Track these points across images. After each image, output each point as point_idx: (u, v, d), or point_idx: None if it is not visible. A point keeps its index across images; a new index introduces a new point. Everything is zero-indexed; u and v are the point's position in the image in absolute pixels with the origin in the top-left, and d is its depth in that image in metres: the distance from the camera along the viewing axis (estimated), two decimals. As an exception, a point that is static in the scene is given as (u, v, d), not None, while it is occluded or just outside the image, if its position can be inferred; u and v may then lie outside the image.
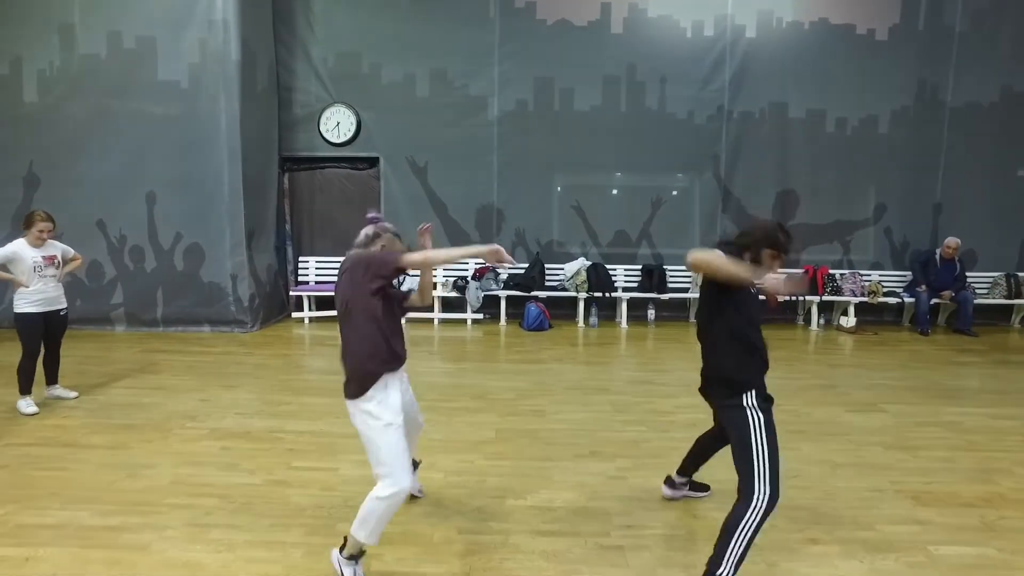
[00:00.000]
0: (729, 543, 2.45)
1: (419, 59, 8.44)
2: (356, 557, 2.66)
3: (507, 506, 3.38)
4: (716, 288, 2.57)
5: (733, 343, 2.63)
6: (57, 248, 4.99)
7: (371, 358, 2.61)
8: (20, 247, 4.75)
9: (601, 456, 4.08)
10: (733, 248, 2.63)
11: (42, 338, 4.93)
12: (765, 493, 2.47)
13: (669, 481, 3.46)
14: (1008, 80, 8.48)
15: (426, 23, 8.38)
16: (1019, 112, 8.52)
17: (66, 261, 5.08)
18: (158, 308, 7.72)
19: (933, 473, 3.85)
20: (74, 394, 5.15)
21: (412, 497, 3.42)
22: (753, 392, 2.60)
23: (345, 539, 2.67)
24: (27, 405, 4.75)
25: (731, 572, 2.45)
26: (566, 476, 3.77)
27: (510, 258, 2.53)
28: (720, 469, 3.18)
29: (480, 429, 4.55)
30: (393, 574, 2.76)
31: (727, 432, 2.68)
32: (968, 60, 8.46)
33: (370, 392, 2.59)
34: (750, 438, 2.54)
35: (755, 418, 2.56)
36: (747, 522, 2.45)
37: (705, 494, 3.48)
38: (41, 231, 4.76)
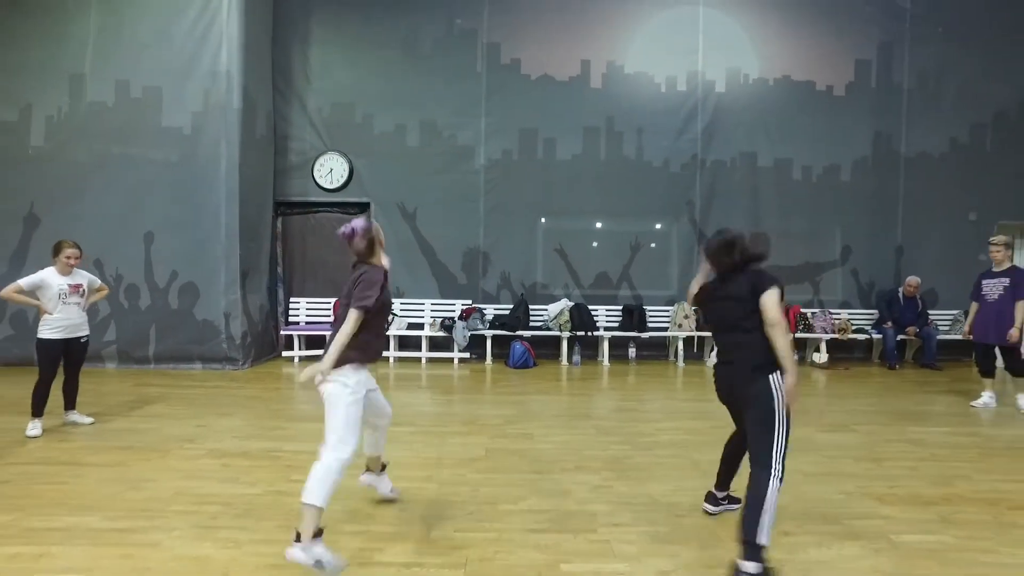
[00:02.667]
0: (760, 512, 2.71)
1: (410, 110, 8.94)
2: (318, 534, 2.81)
3: (500, 510, 3.56)
4: (752, 296, 2.94)
5: (764, 336, 2.91)
6: (84, 277, 5.21)
7: (356, 348, 2.97)
8: (48, 275, 4.97)
9: (587, 470, 4.28)
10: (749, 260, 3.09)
11: (60, 364, 5.10)
12: (778, 472, 2.78)
13: (710, 497, 3.54)
14: (954, 132, 9.20)
15: (417, 77, 8.92)
16: (966, 162, 9.22)
17: (92, 291, 5.29)
18: (151, 345, 7.85)
19: (897, 479, 4.11)
20: (90, 420, 5.27)
21: (387, 500, 3.60)
22: (778, 372, 2.89)
23: (298, 535, 2.78)
24: (32, 427, 4.87)
25: (768, 539, 2.72)
26: (555, 486, 3.96)
27: None
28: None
29: (471, 449, 4.73)
30: (393, 565, 2.93)
31: (751, 413, 2.92)
32: (917, 114, 9.18)
33: (347, 368, 2.95)
34: (775, 414, 2.83)
35: (780, 396, 2.85)
36: (771, 492, 2.73)
37: (739, 505, 3.43)
38: (68, 258, 4.99)
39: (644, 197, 9.08)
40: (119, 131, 7.74)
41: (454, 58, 8.95)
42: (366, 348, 3.02)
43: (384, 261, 3.19)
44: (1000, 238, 6.24)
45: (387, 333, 3.25)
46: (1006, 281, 6.06)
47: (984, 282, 6.30)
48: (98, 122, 7.74)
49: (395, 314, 8.87)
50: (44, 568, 2.83)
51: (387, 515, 3.47)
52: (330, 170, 8.98)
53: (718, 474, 3.53)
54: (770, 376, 2.88)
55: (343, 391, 2.91)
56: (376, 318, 3.05)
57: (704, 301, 3.30)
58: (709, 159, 9.12)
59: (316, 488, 2.81)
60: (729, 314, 3.08)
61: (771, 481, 2.76)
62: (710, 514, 3.51)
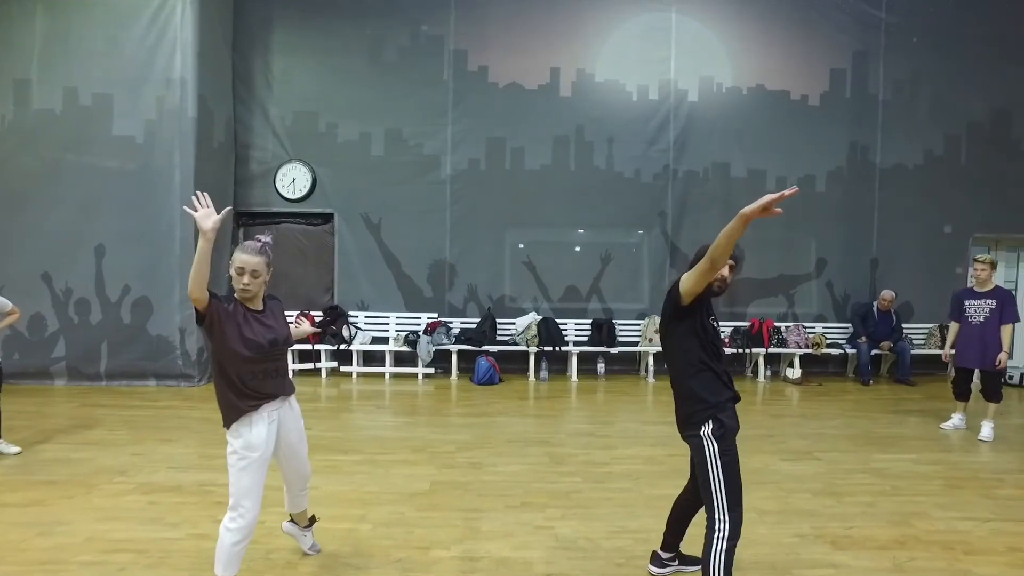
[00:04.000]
0: (708, 572, 2.53)
1: (375, 119, 8.71)
2: None
3: (430, 557, 3.36)
4: (672, 315, 2.69)
5: (691, 372, 2.69)
6: None
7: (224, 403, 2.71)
8: None
9: (531, 507, 4.08)
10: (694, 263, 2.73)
11: None
12: (725, 523, 2.55)
13: (656, 559, 3.21)
14: (928, 144, 9.07)
15: (382, 85, 8.69)
16: (940, 174, 9.09)
17: (2, 314, 5.02)
18: (102, 362, 7.57)
19: (854, 518, 3.93)
20: (17, 449, 4.99)
21: (304, 555, 3.35)
22: (710, 422, 2.64)
23: None
24: (-54, 461, 4.61)
25: None
26: (494, 526, 3.75)
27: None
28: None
29: (415, 481, 4.52)
30: (302, 627, 2.72)
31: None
32: (892, 126, 9.05)
33: (234, 426, 2.68)
34: (707, 468, 2.61)
35: (711, 448, 2.62)
36: (715, 551, 2.52)
37: (696, 568, 3.11)
38: None
39: (615, 208, 8.88)
40: (68, 139, 7.47)
41: (420, 65, 8.73)
42: (230, 401, 2.66)
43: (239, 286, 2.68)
44: (986, 257, 5.92)
45: (262, 377, 2.74)
46: (992, 303, 5.81)
47: (967, 303, 5.98)
48: (46, 130, 7.46)
49: (358, 328, 8.63)
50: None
51: (309, 563, 3.25)
52: (293, 180, 8.73)
53: (664, 533, 3.21)
54: (700, 426, 2.65)
55: (230, 456, 2.67)
56: (230, 363, 2.63)
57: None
58: (681, 169, 8.94)
59: (217, 556, 2.63)
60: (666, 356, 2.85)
61: (714, 542, 2.54)
62: None
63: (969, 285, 6.12)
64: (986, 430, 5.80)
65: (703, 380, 2.68)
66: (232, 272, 2.66)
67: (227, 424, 2.70)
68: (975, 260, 5.99)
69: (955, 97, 9.05)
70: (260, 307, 2.79)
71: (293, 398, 2.96)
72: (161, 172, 7.52)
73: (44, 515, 3.83)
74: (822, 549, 3.50)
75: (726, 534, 2.54)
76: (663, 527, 3.27)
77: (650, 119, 8.91)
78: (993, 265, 5.92)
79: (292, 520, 3.31)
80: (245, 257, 2.65)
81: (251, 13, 8.60)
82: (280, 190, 8.71)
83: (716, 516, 2.56)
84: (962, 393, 6.13)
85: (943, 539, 3.63)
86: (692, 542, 3.08)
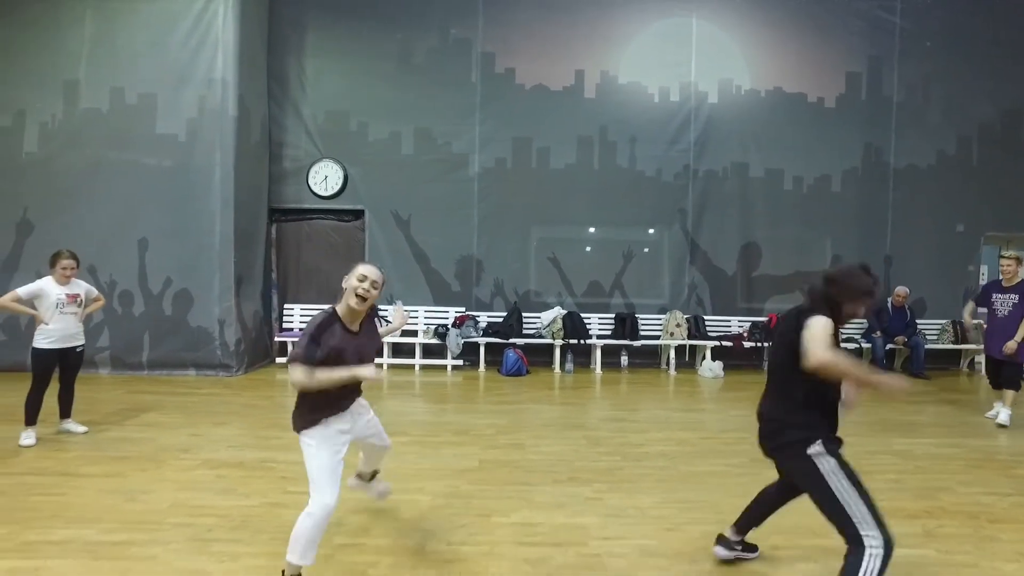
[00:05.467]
0: None
1: (404, 118, 8.99)
2: None
3: (492, 523, 3.62)
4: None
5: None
6: (81, 287, 5.22)
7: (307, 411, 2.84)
8: (46, 284, 4.99)
9: (578, 481, 4.34)
10: (819, 297, 2.61)
11: (55, 373, 5.11)
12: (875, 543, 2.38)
13: (723, 541, 3.18)
14: (941, 145, 9.34)
15: (412, 85, 8.97)
16: (953, 174, 9.35)
17: (89, 301, 5.30)
18: (144, 352, 7.85)
19: (881, 492, 4.17)
20: (84, 429, 5.28)
21: (380, 512, 3.60)
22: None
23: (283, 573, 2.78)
24: (27, 436, 4.89)
25: None
26: (546, 498, 4.02)
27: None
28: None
29: (464, 460, 4.78)
30: (388, 578, 2.98)
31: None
32: (906, 127, 9.31)
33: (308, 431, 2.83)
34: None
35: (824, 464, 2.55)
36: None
37: (754, 555, 3.23)
38: (65, 268, 5.02)
39: (637, 206, 9.16)
40: (114, 138, 7.75)
41: (449, 67, 9.01)
42: (314, 409, 2.81)
43: (342, 307, 2.81)
44: (1012, 253, 6.25)
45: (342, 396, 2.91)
46: (1015, 297, 6.07)
47: (995, 295, 6.25)
48: (92, 128, 7.75)
49: (388, 321, 8.90)
50: (42, 583, 2.87)
51: (380, 528, 3.52)
52: (324, 177, 9.01)
53: (742, 514, 3.17)
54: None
55: (306, 447, 2.80)
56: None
57: None
58: (701, 169, 9.21)
59: (292, 543, 2.72)
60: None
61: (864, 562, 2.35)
62: (721, 559, 3.16)
63: (998, 279, 6.35)
64: (1003, 415, 6.06)
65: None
66: (353, 279, 2.77)
67: (297, 430, 2.83)
68: (1001, 256, 6.29)
69: (967, 99, 9.30)
70: (357, 328, 2.88)
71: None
72: (202, 169, 7.80)
73: (126, 484, 4.11)
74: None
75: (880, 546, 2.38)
76: (702, 499, 3.51)
77: (671, 120, 9.18)
78: (1019, 260, 6.18)
79: (358, 476, 3.56)
80: (372, 268, 2.82)
81: (285, 16, 8.90)
82: (312, 187, 8.99)
83: (861, 532, 2.40)
84: (998, 383, 6.31)
85: (968, 510, 3.88)
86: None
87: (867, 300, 2.61)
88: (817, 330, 2.44)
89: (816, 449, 2.56)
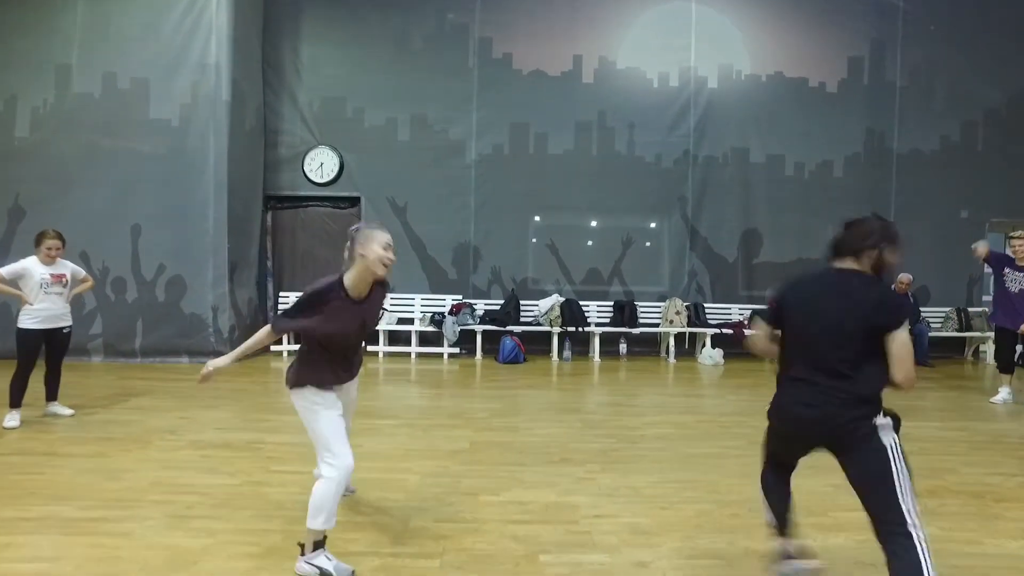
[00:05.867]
0: None
1: (401, 105, 8.89)
2: (320, 544, 2.67)
3: (480, 501, 3.52)
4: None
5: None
6: (67, 267, 5.13)
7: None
8: (31, 264, 4.90)
9: (572, 462, 4.24)
10: (853, 250, 2.39)
11: (40, 355, 5.02)
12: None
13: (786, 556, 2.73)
14: (945, 131, 9.20)
15: (408, 71, 8.87)
16: (957, 159, 9.22)
17: (76, 281, 5.21)
18: (137, 339, 7.78)
19: (884, 472, 4.07)
20: (71, 411, 5.19)
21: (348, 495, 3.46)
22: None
23: (302, 547, 2.68)
24: (10, 419, 4.79)
25: None
26: (537, 478, 3.91)
27: None
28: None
29: (456, 441, 4.68)
30: (367, 555, 2.87)
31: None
32: (909, 112, 9.18)
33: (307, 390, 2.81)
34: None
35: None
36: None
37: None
38: (50, 248, 4.93)
39: (636, 193, 9.04)
40: (106, 123, 7.67)
41: (446, 53, 8.90)
42: (319, 370, 2.80)
43: (352, 276, 2.69)
44: (1021, 232, 6.12)
45: (343, 368, 2.93)
46: None
47: (1007, 269, 6.14)
48: (85, 114, 7.67)
49: (384, 309, 8.80)
50: (9, 557, 2.77)
51: (365, 505, 3.42)
52: (320, 164, 8.92)
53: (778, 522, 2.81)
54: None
55: (305, 411, 2.77)
56: (327, 345, 2.76)
57: None
58: (701, 155, 9.09)
59: (315, 511, 2.63)
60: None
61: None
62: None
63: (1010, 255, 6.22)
64: (1003, 393, 5.99)
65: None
66: (377, 248, 2.64)
67: (300, 384, 2.78)
68: (1011, 237, 6.14)
69: (972, 83, 9.16)
70: (366, 295, 2.79)
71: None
72: (195, 155, 7.71)
73: (108, 464, 4.02)
74: (855, 496, 3.63)
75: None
76: (699, 479, 3.37)
77: (670, 105, 9.06)
78: None
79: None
80: (388, 234, 2.73)
81: (280, 1, 8.80)
82: (308, 174, 8.90)
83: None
84: (1006, 364, 6.20)
85: (973, 490, 3.77)
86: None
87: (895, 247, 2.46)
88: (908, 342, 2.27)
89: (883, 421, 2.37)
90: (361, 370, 3.14)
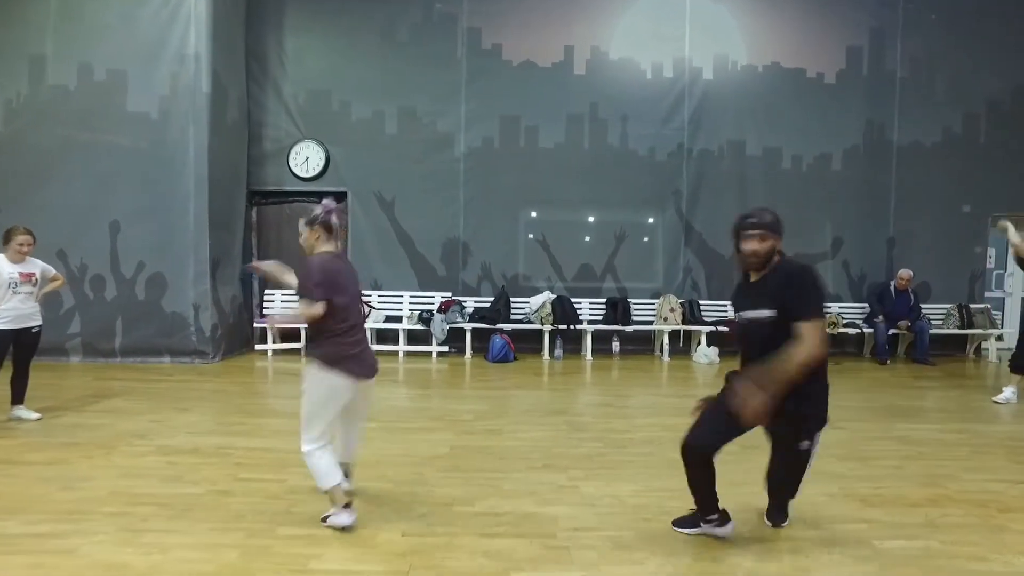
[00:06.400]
0: None
1: (388, 97, 8.65)
2: (348, 506, 3.04)
3: (454, 512, 3.32)
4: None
5: None
6: (37, 266, 4.95)
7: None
8: None
9: (554, 468, 4.04)
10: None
11: (8, 355, 4.83)
12: None
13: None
14: (947, 122, 8.97)
15: (395, 63, 8.63)
16: (959, 152, 8.98)
17: (45, 280, 5.02)
18: (117, 338, 7.57)
19: (882, 479, 3.87)
20: (37, 415, 4.97)
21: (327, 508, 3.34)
22: None
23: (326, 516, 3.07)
24: (-27, 422, 4.61)
25: None
26: (516, 486, 3.72)
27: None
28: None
29: (435, 446, 4.49)
30: (330, 573, 2.68)
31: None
32: (910, 103, 8.94)
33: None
34: None
35: None
36: None
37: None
38: (21, 244, 4.75)
39: (629, 187, 8.81)
40: (83, 116, 7.43)
41: (433, 43, 8.66)
42: (342, 348, 3.10)
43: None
44: None
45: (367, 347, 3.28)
46: None
47: None
48: (60, 106, 7.43)
49: (372, 307, 8.59)
50: (-62, 579, 2.58)
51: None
52: (306, 158, 8.70)
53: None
54: None
55: (321, 385, 3.01)
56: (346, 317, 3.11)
57: None
58: (696, 148, 8.86)
59: (317, 478, 3.02)
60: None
61: None
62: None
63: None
64: (1007, 392, 5.79)
65: None
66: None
67: (321, 363, 3.03)
68: None
69: (974, 75, 8.92)
70: None
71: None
72: (175, 148, 7.48)
73: (66, 472, 3.82)
74: (852, 506, 3.45)
75: None
76: (687, 489, 3.18)
77: (664, 97, 8.83)
78: None
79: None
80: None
81: (264, -9, 8.56)
82: (293, 168, 8.68)
83: None
84: (1021, 365, 5.78)
85: (976, 498, 3.57)
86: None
87: (743, 231, 2.83)
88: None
89: None
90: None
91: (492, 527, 3.14)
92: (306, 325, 3.00)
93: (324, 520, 3.08)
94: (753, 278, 2.87)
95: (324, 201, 3.22)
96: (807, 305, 2.63)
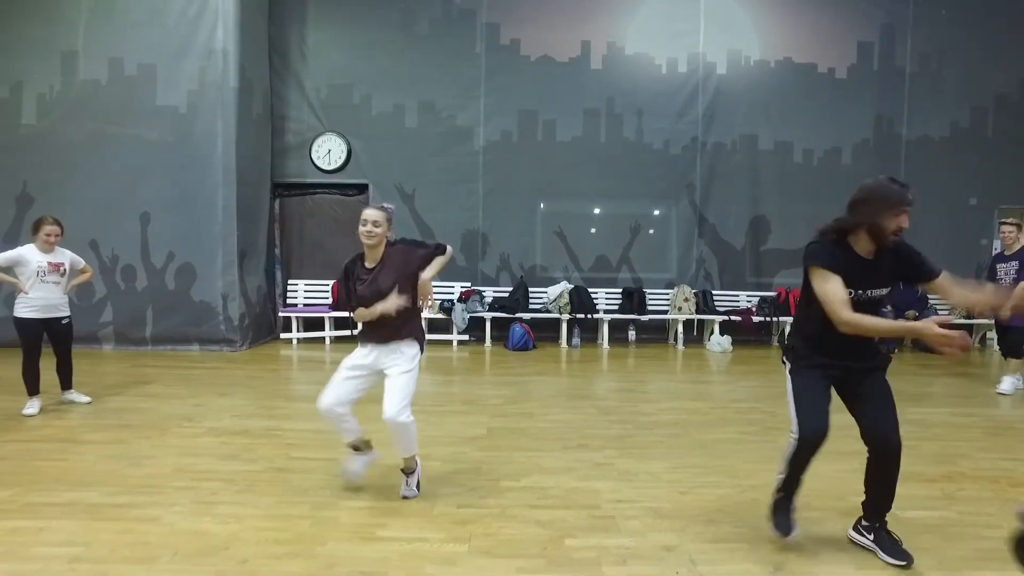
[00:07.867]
0: None
1: (408, 91, 8.84)
2: (358, 448, 3.46)
3: (502, 486, 3.55)
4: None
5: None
6: (66, 256, 5.07)
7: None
8: (27, 251, 4.86)
9: (589, 447, 4.26)
10: (844, 224, 2.66)
11: (43, 343, 4.97)
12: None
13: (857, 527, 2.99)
14: (955, 117, 9.16)
15: (415, 57, 8.81)
16: (967, 146, 9.19)
17: (75, 271, 5.14)
18: (147, 327, 7.79)
19: (900, 458, 4.09)
20: (88, 399, 5.19)
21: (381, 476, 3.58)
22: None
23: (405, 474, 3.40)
24: (30, 406, 4.81)
25: None
26: (556, 463, 3.94)
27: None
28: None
29: (472, 428, 4.71)
30: (397, 540, 2.90)
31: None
32: (919, 98, 9.14)
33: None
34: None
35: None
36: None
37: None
38: (48, 235, 4.87)
39: (644, 179, 9.02)
40: (113, 109, 7.63)
41: (453, 38, 8.84)
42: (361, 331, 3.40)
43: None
44: (1011, 219, 6.15)
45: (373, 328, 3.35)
46: (1016, 264, 5.96)
47: (998, 266, 6.17)
48: (91, 100, 7.62)
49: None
50: (44, 541, 2.80)
51: (388, 491, 3.44)
52: (328, 151, 8.89)
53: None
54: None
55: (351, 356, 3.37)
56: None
57: None
58: (709, 141, 9.06)
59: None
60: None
61: None
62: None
63: (1000, 250, 6.26)
64: (1006, 384, 5.99)
65: None
66: (360, 227, 3.20)
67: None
68: (1001, 223, 6.16)
69: (982, 69, 9.11)
70: (373, 264, 3.27)
71: (404, 344, 3.31)
72: (203, 141, 7.67)
73: (128, 451, 4.04)
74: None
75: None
76: (717, 464, 3.39)
77: (679, 92, 9.02)
78: (1019, 227, 6.07)
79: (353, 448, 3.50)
80: (371, 211, 3.22)
81: (286, -14, 8.72)
82: (315, 161, 8.87)
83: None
84: (1012, 349, 6.11)
85: (989, 475, 3.80)
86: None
87: (905, 207, 2.57)
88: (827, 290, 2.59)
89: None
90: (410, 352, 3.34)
91: (540, 500, 3.36)
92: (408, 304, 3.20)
93: (410, 486, 3.40)
94: (867, 256, 2.69)
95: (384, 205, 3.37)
96: (930, 262, 2.72)
